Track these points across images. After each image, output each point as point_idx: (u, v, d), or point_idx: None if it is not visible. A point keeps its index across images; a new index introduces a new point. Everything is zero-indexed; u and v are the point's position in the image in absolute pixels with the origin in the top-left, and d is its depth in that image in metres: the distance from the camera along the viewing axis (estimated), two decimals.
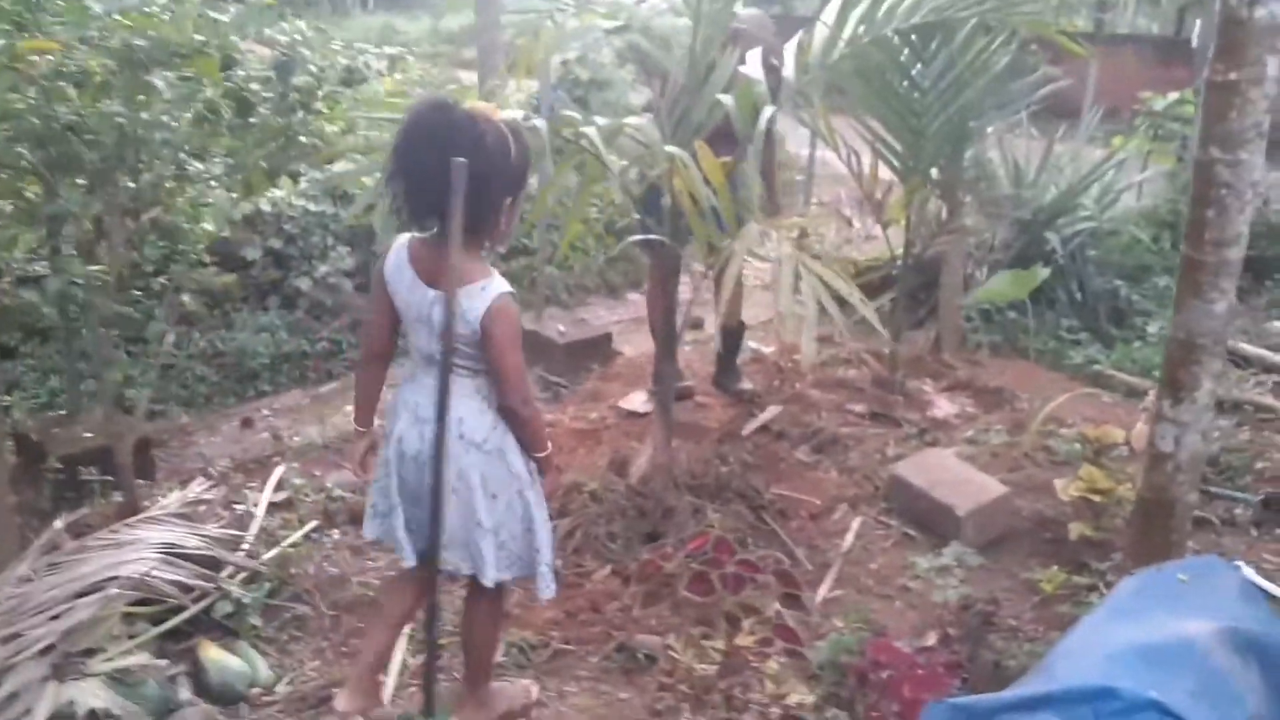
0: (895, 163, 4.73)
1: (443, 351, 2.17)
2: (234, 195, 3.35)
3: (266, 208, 5.05)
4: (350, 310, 5.20)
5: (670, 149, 2.88)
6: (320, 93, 3.18)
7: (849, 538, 3.53)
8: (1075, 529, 3.19)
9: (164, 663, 2.67)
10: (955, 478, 3.60)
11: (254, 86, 2.94)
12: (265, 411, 4.49)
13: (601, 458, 3.77)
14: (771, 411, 4.52)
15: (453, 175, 2.03)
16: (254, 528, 3.38)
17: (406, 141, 2.09)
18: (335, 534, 3.47)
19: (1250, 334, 5.68)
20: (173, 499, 3.23)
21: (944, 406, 4.81)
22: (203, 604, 2.90)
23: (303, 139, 3.19)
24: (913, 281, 6.08)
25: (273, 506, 3.63)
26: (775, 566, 2.46)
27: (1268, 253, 6.63)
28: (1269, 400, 4.57)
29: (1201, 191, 2.62)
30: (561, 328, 5.07)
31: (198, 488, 3.38)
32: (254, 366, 4.79)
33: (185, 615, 2.85)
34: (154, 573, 2.78)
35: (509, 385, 2.23)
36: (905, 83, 4.47)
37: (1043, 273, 3.65)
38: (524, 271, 5.85)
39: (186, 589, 2.86)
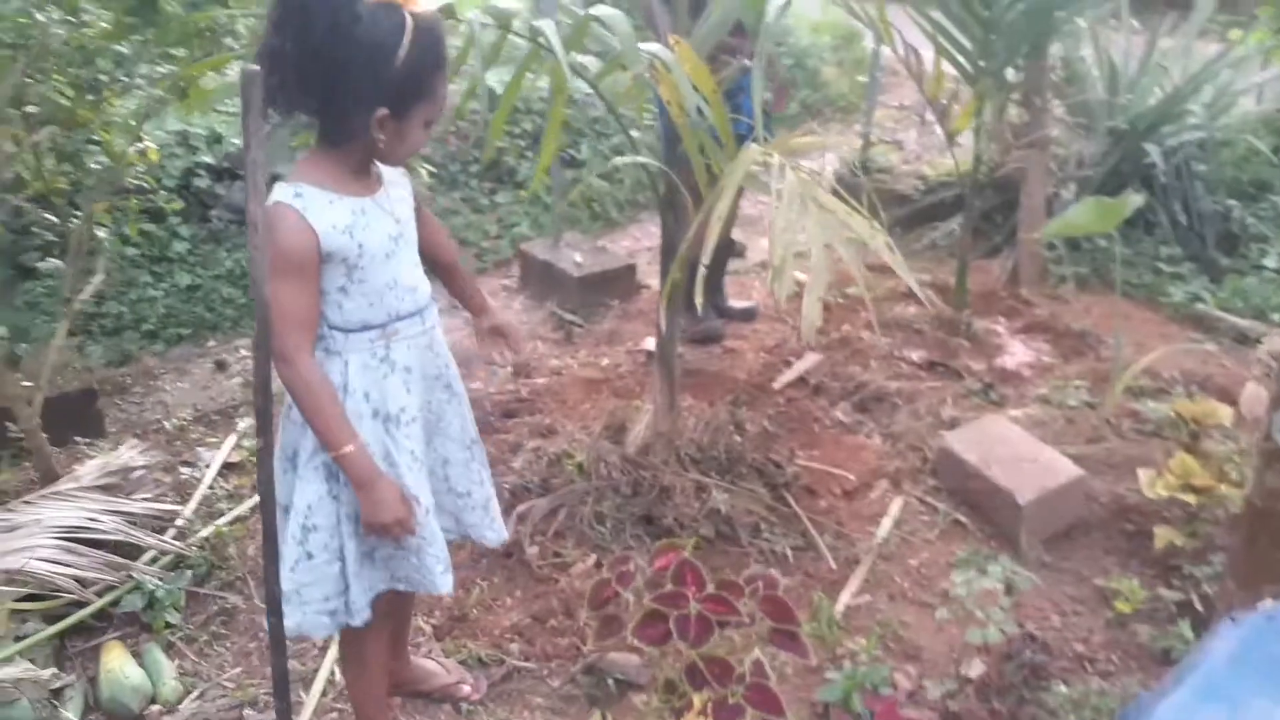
0: (962, 62, 3.99)
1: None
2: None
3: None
4: None
5: (649, 46, 2.26)
6: None
7: (885, 524, 2.96)
8: (1162, 535, 2.56)
9: (48, 673, 2.27)
10: (1017, 453, 2.98)
11: None
12: (244, 351, 4.04)
13: (600, 418, 3.24)
14: (809, 360, 3.92)
15: (242, 86, 1.47)
16: (194, 499, 2.97)
17: (271, 10, 1.59)
18: None
19: None
20: (90, 467, 2.81)
21: (1017, 353, 4.15)
22: (107, 598, 2.49)
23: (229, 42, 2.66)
24: (986, 203, 5.38)
25: (228, 469, 3.22)
26: (766, 591, 1.92)
27: None
28: None
29: None
30: (579, 257, 4.50)
31: (128, 450, 2.96)
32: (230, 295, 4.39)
33: (85, 613, 2.45)
34: (40, 562, 2.37)
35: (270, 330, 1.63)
36: None
37: (1134, 201, 2.95)
38: (572, 185, 5.30)
39: (86, 582, 2.45)
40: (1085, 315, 4.40)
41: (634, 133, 3.03)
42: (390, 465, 1.79)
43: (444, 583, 1.87)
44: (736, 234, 4.67)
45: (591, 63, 2.60)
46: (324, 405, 1.67)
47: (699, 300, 2.17)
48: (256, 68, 1.50)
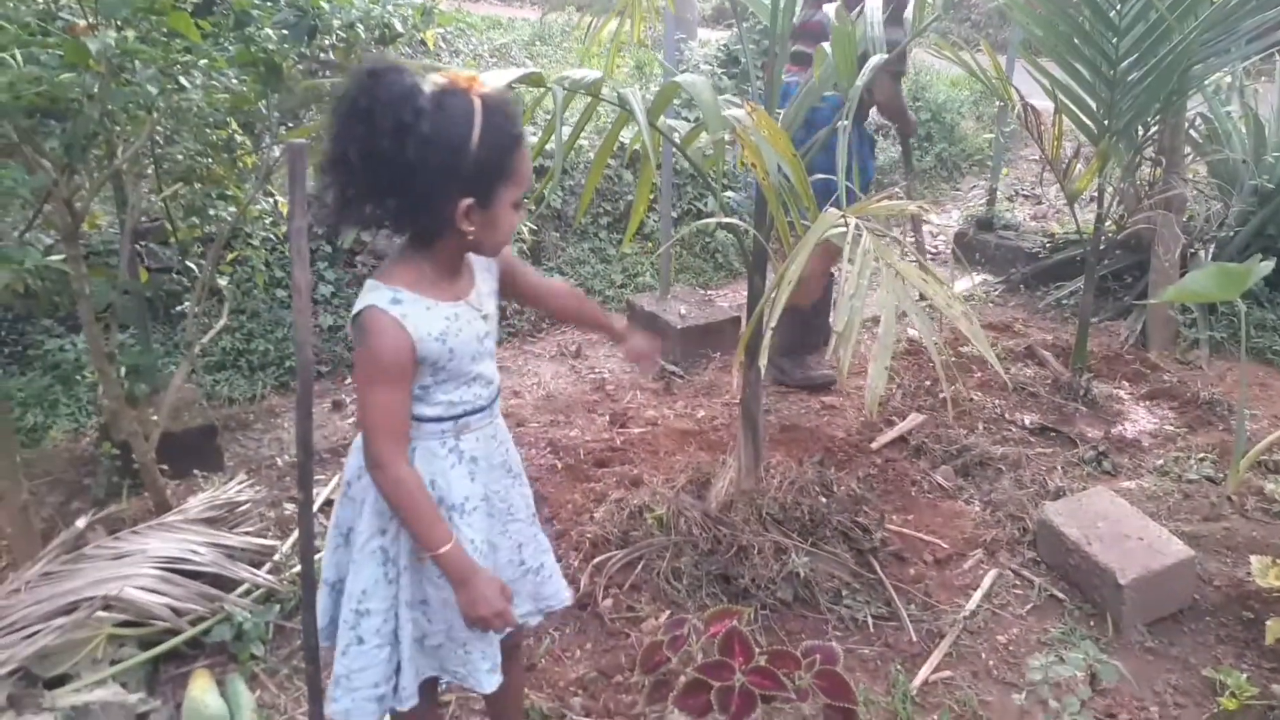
0: (1085, 120, 3.85)
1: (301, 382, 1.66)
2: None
3: None
4: None
5: (731, 112, 2.28)
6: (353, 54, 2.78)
7: (976, 596, 2.83)
8: (1275, 629, 2.35)
9: (135, 698, 2.39)
10: (1123, 530, 2.81)
11: (271, 46, 2.56)
12: None
13: (687, 472, 3.23)
14: (913, 420, 3.82)
15: (289, 159, 1.52)
16: (293, 535, 3.09)
17: (332, 120, 1.55)
18: None
19: None
20: (198, 500, 2.97)
21: (1139, 420, 3.93)
22: (199, 628, 2.62)
23: None
24: (1115, 263, 5.16)
25: (330, 506, 3.34)
26: (823, 665, 1.84)
27: None
28: None
29: None
30: (684, 309, 4.52)
31: (236, 485, 3.12)
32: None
33: (176, 641, 2.58)
34: (139, 590, 2.51)
35: (362, 434, 1.64)
36: (1092, 17, 3.57)
37: (1261, 268, 2.75)
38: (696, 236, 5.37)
39: (181, 611, 2.58)
40: (1217, 383, 4.13)
41: (729, 194, 3.10)
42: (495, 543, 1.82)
43: (489, 682, 1.81)
44: None
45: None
46: (421, 508, 1.63)
47: (762, 362, 2.15)
48: (302, 141, 1.55)
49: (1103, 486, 3.21)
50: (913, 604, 2.81)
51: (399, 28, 2.85)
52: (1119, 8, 3.48)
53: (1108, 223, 4.50)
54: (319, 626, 1.84)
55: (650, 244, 5.65)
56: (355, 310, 1.60)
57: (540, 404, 4.07)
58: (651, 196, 5.86)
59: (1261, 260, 2.98)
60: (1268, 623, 2.41)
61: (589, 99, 2.46)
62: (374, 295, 1.59)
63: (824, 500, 3.03)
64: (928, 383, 4.15)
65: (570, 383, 4.30)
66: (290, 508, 3.29)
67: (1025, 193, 7.77)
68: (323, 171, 1.57)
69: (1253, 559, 2.52)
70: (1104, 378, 4.27)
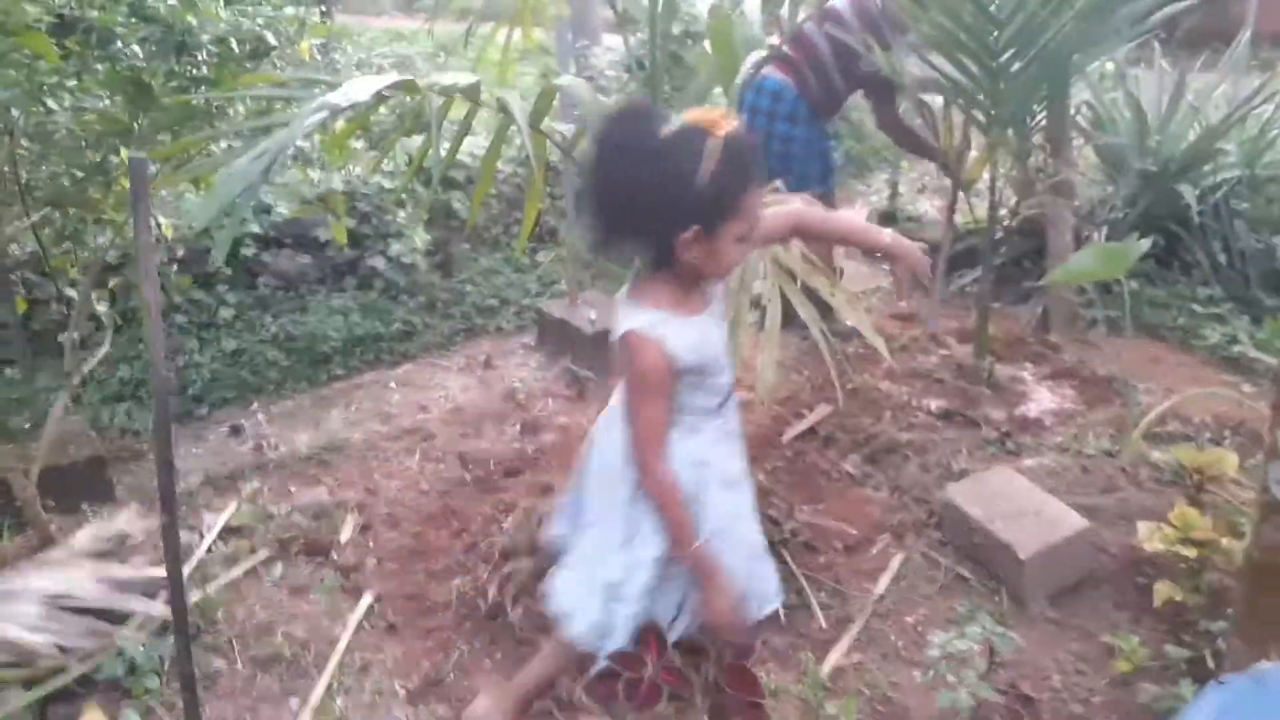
0: (974, 112, 3.93)
1: None
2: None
3: (339, 185, 4.75)
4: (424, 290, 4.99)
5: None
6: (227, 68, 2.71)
7: (884, 580, 2.86)
8: (1162, 591, 2.41)
9: None
10: (1022, 506, 2.86)
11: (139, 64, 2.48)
12: (261, 416, 4.10)
13: None
14: (821, 411, 3.84)
15: (131, 173, 1.51)
16: (190, 563, 3.00)
17: (589, 157, 1.77)
18: (279, 568, 3.03)
19: None
20: (83, 534, 2.86)
21: (1041, 400, 4.01)
22: (88, 665, 2.51)
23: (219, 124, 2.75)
24: (1015, 249, 5.27)
25: (230, 533, 3.25)
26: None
27: None
28: None
29: None
30: (593, 314, 4.50)
31: (126, 516, 3.01)
32: (325, 350, 4.51)
33: (63, 680, 2.47)
34: (19, 629, 2.40)
35: (630, 442, 1.84)
36: (974, 11, 3.65)
37: (1139, 246, 2.83)
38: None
39: (70, 648, 2.48)
40: (1114, 360, 4.25)
41: None
42: (735, 522, 1.97)
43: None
44: None
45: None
46: (682, 508, 1.84)
47: None
48: (144, 156, 1.53)
49: (1004, 465, 3.26)
50: (823, 591, 2.82)
51: (272, 41, 2.79)
52: (998, 1, 3.56)
53: (1003, 211, 4.61)
54: (593, 634, 1.95)
55: (563, 250, 5.61)
56: (620, 332, 1.79)
57: (448, 417, 4.00)
58: (555, 202, 5.88)
59: (1140, 239, 3.08)
60: (1156, 585, 2.47)
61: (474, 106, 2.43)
62: (636, 319, 1.77)
63: None
64: (773, 382, 4.17)
65: (479, 394, 4.25)
66: (186, 536, 3.18)
67: (935, 185, 7.92)
68: (575, 205, 1.90)
69: (1140, 525, 2.58)
70: (1007, 361, 4.35)
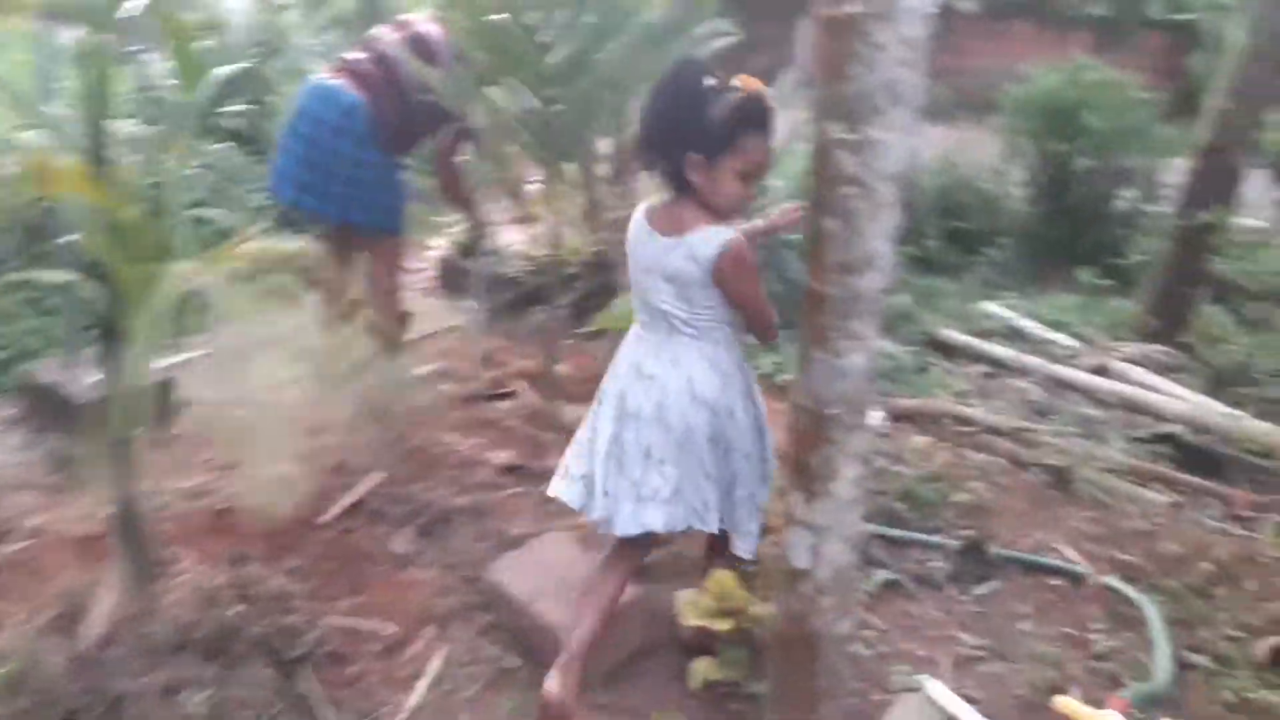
0: (531, 142, 3.70)
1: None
2: None
3: None
4: None
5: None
6: None
7: (421, 686, 2.46)
8: (698, 672, 2.24)
9: None
10: (570, 578, 2.59)
11: None
12: None
13: (61, 600, 2.52)
14: (371, 480, 3.38)
15: None
16: None
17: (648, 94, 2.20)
18: None
19: (959, 317, 5.07)
20: None
21: None
22: None
23: None
24: (591, 283, 5.17)
25: None
26: None
27: (980, 224, 6.14)
28: (966, 410, 3.87)
29: (822, 189, 1.70)
30: (98, 375, 3.70)
31: None
32: None
33: None
34: None
35: (753, 315, 2.26)
36: (524, 39, 3.41)
37: None
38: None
39: None
40: None
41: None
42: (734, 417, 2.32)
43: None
44: None
45: None
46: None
47: None
48: None
49: (561, 528, 3.00)
50: (347, 712, 2.37)
51: None
52: (546, 31, 3.35)
53: (572, 245, 4.45)
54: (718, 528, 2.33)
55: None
56: (721, 245, 2.13)
57: None
58: None
59: None
60: (691, 665, 2.29)
61: None
62: (727, 232, 2.15)
63: (240, 609, 2.49)
64: (392, 434, 3.74)
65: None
66: None
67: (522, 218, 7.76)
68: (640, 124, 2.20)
69: (678, 596, 2.40)
70: (580, 400, 4.15)
